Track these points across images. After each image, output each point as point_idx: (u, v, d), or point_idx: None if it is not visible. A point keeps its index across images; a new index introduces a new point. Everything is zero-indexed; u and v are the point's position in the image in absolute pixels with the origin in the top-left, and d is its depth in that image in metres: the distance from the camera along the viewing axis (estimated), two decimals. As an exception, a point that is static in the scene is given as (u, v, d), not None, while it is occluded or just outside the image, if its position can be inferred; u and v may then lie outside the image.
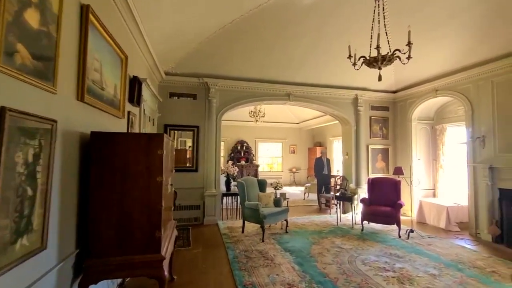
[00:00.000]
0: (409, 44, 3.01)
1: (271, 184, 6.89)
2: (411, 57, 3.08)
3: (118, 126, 2.96)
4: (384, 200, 5.22)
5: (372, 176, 6.44)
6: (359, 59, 3.34)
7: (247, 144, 12.67)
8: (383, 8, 3.28)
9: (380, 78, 3.31)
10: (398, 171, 5.40)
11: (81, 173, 2.06)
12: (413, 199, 5.79)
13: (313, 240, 4.61)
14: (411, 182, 5.30)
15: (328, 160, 8.08)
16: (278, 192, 6.13)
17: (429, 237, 4.81)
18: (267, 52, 5.26)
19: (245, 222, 5.03)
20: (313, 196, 8.54)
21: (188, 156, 5.83)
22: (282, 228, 5.23)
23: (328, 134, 11.92)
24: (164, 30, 4.00)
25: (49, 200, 1.60)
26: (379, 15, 3.28)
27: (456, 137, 6.17)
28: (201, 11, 3.82)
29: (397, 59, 3.14)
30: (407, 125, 6.65)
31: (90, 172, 2.01)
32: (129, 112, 3.31)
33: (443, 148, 6.33)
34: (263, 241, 4.51)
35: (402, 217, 5.00)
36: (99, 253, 1.97)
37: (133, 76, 3.41)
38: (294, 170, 13.20)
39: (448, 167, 6.27)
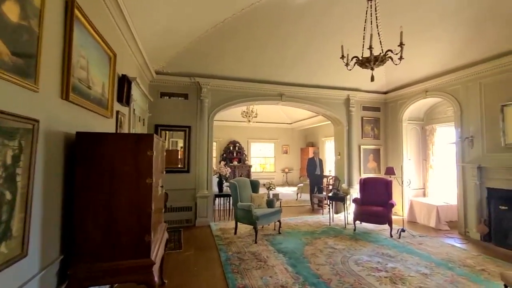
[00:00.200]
0: (401, 45, 3.02)
1: (264, 184, 6.86)
2: (403, 58, 3.09)
3: (106, 126, 2.87)
4: (376, 200, 5.26)
5: (364, 176, 6.49)
6: (351, 59, 3.34)
7: (240, 144, 12.60)
8: (376, 8, 3.29)
9: (372, 79, 3.32)
10: (390, 171, 5.45)
11: (66, 175, 1.97)
12: (404, 198, 5.85)
13: (306, 240, 4.60)
14: (402, 182, 5.36)
15: (320, 161, 8.10)
16: (271, 192, 6.10)
17: (420, 236, 4.87)
18: (259, 51, 5.22)
19: (238, 223, 4.97)
20: (306, 196, 8.55)
21: (179, 157, 5.74)
22: (275, 229, 5.20)
23: (320, 134, 11.98)
24: (155, 28, 3.91)
25: (31, 204, 1.52)
26: (371, 16, 3.28)
27: (446, 137, 6.27)
28: (193, 9, 3.75)
29: (389, 59, 3.15)
30: (398, 126, 6.73)
31: (75, 174, 1.92)
32: (118, 112, 3.22)
33: (432, 148, 6.43)
34: (256, 242, 4.46)
35: (393, 217, 5.04)
36: (85, 259, 1.89)
37: (122, 74, 3.31)
38: (286, 170, 13.21)
39: (438, 167, 6.38)
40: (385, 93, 7.03)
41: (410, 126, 6.68)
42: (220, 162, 9.71)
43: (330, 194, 6.23)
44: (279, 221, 5.09)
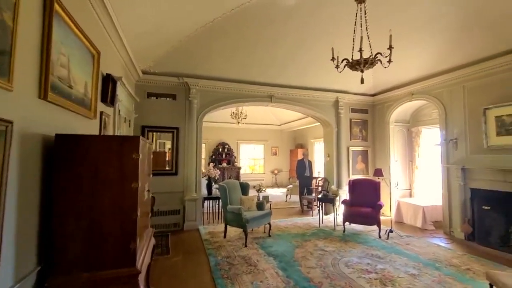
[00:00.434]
0: (390, 48, 3.05)
1: (254, 187, 6.79)
2: (392, 61, 3.12)
3: (89, 127, 2.73)
4: (365, 201, 5.31)
5: (352, 177, 6.55)
6: (342, 61, 3.35)
7: (229, 146, 12.50)
8: (365, 11, 3.31)
9: (362, 81, 3.34)
10: (378, 172, 5.53)
11: (44, 180, 1.84)
12: (392, 199, 5.94)
13: (296, 243, 4.57)
14: (390, 183, 5.44)
15: (310, 162, 8.13)
16: (261, 195, 6.05)
17: (407, 237, 4.95)
18: (249, 51, 5.17)
19: (227, 226, 4.89)
20: (295, 197, 8.55)
21: (167, 159, 5.59)
22: (265, 232, 5.15)
23: (310, 136, 12.05)
24: (141, 25, 3.79)
25: (3, 210, 1.40)
26: (361, 19, 3.30)
27: (431, 139, 6.43)
28: (182, 7, 3.66)
29: (379, 62, 3.18)
30: (385, 128, 6.85)
31: (53, 178, 1.80)
32: (101, 113, 3.08)
33: (418, 149, 6.57)
34: (246, 246, 4.39)
35: (381, 217, 5.10)
36: (65, 269, 1.76)
37: (107, 74, 3.17)
38: (276, 172, 13.21)
39: (423, 168, 6.53)
40: (373, 95, 7.15)
41: (397, 128, 6.81)
42: (209, 164, 9.55)
43: (319, 196, 6.25)
44: (269, 223, 5.05)
